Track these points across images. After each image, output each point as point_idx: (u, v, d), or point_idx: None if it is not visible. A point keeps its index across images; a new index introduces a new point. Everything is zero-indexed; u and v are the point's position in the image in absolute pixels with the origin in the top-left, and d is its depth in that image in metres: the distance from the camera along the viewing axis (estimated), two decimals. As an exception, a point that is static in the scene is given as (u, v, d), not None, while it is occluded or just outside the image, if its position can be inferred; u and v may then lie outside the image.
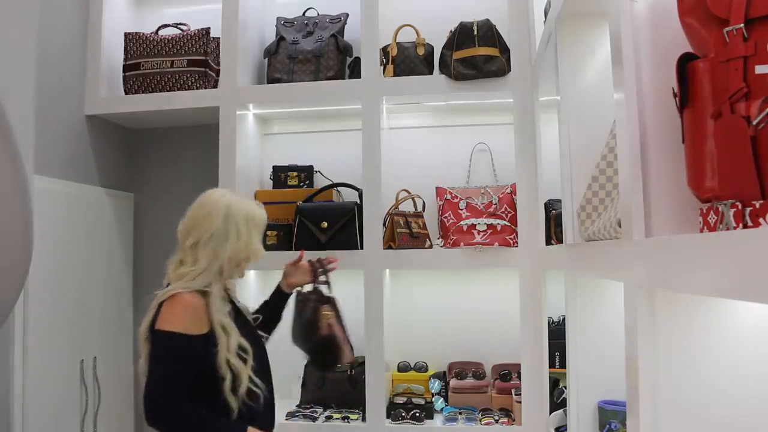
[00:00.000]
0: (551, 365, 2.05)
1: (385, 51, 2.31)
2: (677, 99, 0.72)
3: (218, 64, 2.41)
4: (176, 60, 2.39)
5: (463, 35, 2.19)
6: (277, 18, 2.49)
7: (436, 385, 2.34)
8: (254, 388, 1.42)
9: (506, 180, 2.36)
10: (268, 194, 2.40)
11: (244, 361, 1.41)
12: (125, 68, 2.44)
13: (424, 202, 2.40)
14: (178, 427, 1.37)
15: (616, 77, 0.92)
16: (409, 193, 2.37)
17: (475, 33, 2.18)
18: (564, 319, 1.64)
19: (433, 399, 2.29)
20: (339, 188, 2.43)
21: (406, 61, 2.29)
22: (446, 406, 2.26)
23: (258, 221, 1.56)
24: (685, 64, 0.70)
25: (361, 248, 2.20)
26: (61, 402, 2.17)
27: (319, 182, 2.51)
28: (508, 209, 2.23)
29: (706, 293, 0.65)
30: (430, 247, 2.27)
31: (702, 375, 0.79)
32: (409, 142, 2.53)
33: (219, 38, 2.39)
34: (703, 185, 0.68)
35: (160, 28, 2.49)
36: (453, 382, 2.29)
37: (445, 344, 2.45)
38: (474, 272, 2.42)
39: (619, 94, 0.90)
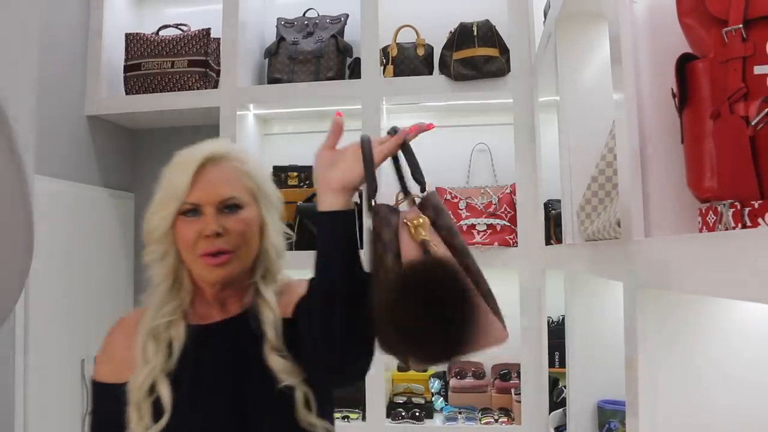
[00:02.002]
0: (551, 365, 2.05)
1: (385, 51, 2.31)
2: (676, 99, 0.72)
3: (218, 64, 2.41)
4: (177, 60, 2.39)
5: (462, 36, 2.19)
6: (278, 18, 2.49)
7: (435, 385, 2.34)
8: None
9: (506, 180, 2.36)
10: (268, 194, 2.41)
11: (143, 421, 0.87)
12: (126, 69, 2.44)
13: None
14: None
15: (615, 77, 0.92)
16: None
17: (475, 33, 2.18)
18: (564, 319, 1.64)
19: (433, 398, 2.29)
20: (339, 188, 2.42)
21: (406, 61, 2.30)
22: (446, 405, 2.26)
23: (171, 169, 0.95)
24: (684, 64, 0.70)
25: (361, 248, 2.19)
26: (62, 402, 2.17)
27: (319, 182, 2.51)
28: (508, 209, 2.24)
29: (706, 293, 0.65)
30: (430, 247, 2.27)
31: (701, 375, 0.79)
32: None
33: (219, 39, 2.40)
34: (702, 185, 0.68)
35: (160, 28, 2.49)
36: (453, 382, 2.30)
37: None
38: (474, 272, 2.42)
39: (618, 95, 0.91)
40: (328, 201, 0.85)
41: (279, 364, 0.90)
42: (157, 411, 0.87)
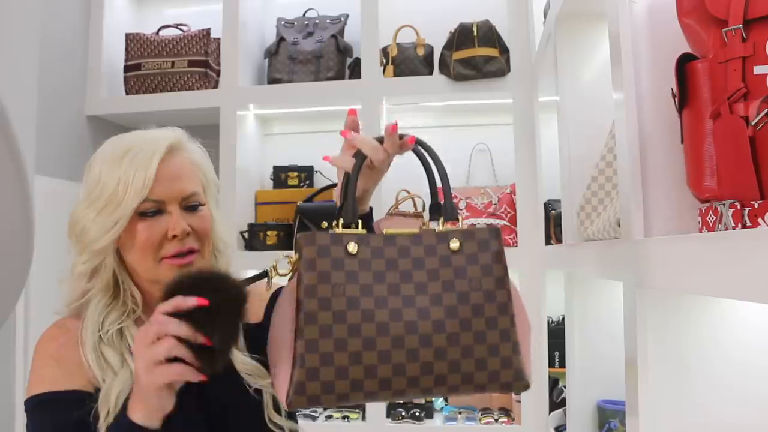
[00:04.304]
0: (551, 365, 2.05)
1: (385, 51, 2.32)
2: (676, 99, 0.72)
3: (219, 64, 2.41)
4: (177, 60, 2.39)
5: (462, 36, 2.19)
6: (278, 18, 2.49)
7: (436, 385, 2.34)
8: None
9: (506, 180, 2.36)
10: (268, 194, 2.41)
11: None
12: (126, 69, 2.44)
13: (424, 202, 2.40)
14: None
15: (615, 77, 0.92)
16: (409, 193, 2.38)
17: (475, 33, 2.18)
18: (564, 319, 1.64)
19: (433, 398, 2.29)
20: (339, 188, 2.43)
21: (406, 61, 2.30)
22: (446, 405, 2.26)
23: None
24: (684, 64, 0.70)
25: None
26: (62, 402, 2.17)
27: (319, 182, 2.51)
28: (508, 209, 2.24)
29: (705, 293, 0.65)
30: (430, 247, 2.27)
31: (701, 374, 0.79)
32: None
33: (219, 39, 2.40)
34: (702, 185, 0.68)
35: (160, 28, 2.50)
36: (453, 382, 2.30)
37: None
38: (474, 272, 2.42)
39: (618, 95, 0.91)
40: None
41: (247, 367, 0.85)
42: None
